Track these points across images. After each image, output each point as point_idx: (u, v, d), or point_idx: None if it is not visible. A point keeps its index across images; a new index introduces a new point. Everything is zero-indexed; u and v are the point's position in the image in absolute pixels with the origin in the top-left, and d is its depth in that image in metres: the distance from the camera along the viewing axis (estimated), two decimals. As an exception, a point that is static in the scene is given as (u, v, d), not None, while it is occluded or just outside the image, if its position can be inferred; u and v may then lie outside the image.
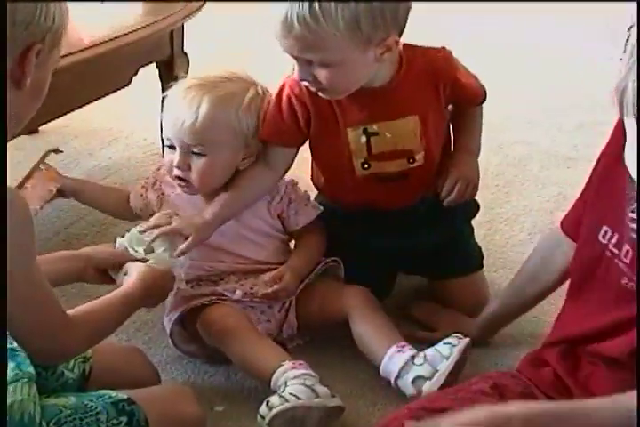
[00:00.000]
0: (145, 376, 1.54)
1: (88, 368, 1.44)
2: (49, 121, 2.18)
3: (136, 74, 2.28)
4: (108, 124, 2.91)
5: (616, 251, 1.28)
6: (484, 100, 1.76)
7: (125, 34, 2.11)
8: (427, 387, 1.52)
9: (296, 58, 1.54)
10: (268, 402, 1.46)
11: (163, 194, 1.76)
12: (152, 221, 1.65)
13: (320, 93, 1.61)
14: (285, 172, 1.75)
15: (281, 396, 1.46)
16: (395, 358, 1.57)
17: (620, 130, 1.27)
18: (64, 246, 2.13)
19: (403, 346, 1.60)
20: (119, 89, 2.26)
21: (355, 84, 1.60)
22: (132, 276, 1.46)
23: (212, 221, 1.66)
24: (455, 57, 1.70)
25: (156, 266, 1.53)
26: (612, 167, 1.29)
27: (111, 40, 2.07)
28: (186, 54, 2.44)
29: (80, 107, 2.18)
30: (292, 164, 1.75)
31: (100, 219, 2.24)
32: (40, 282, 1.17)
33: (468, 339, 1.57)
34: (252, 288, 1.69)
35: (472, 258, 1.86)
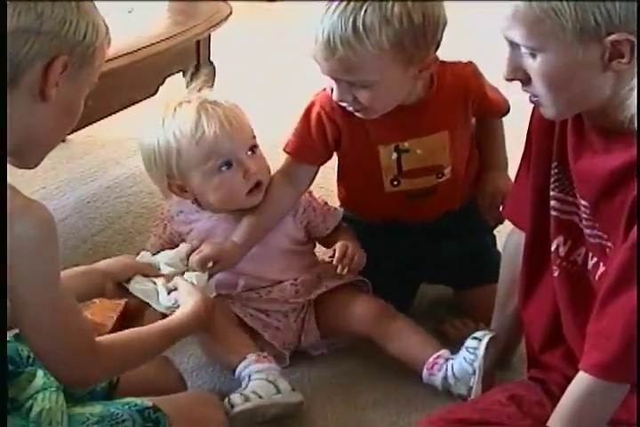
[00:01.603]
0: (171, 384, 1.55)
1: (115, 377, 1.43)
2: (77, 130, 2.20)
3: (163, 83, 2.30)
4: (134, 134, 2.91)
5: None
6: (508, 112, 1.77)
7: (152, 44, 2.13)
8: (473, 395, 1.52)
9: (337, 80, 1.52)
10: (229, 399, 1.48)
11: (179, 234, 1.74)
12: (185, 247, 1.62)
13: (357, 114, 1.59)
14: (307, 189, 1.75)
15: (242, 394, 1.49)
16: (432, 381, 1.59)
17: (539, 122, 1.34)
18: (91, 255, 2.14)
19: (432, 366, 1.59)
20: (146, 98, 2.28)
21: (393, 104, 1.59)
22: (186, 308, 1.41)
23: (241, 247, 1.65)
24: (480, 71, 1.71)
25: (195, 284, 1.51)
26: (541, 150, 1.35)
27: (138, 50, 2.09)
28: (212, 63, 2.47)
29: (107, 116, 2.21)
30: (313, 181, 1.75)
31: (127, 227, 2.26)
32: (68, 307, 1.14)
33: (487, 338, 1.54)
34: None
35: (494, 267, 1.86)
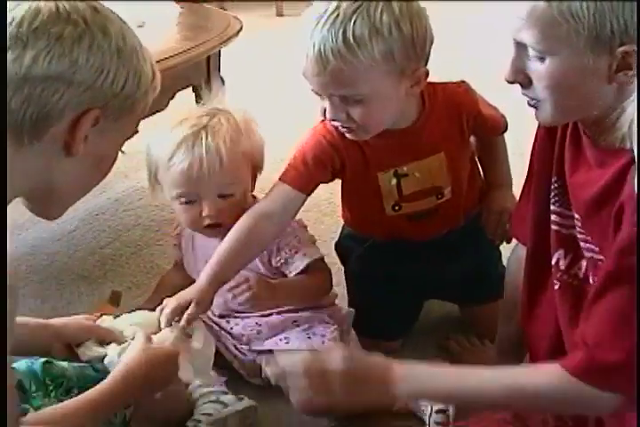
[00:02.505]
0: (183, 410, 1.54)
1: (129, 415, 1.38)
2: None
3: (173, 98, 2.31)
4: (142, 147, 2.94)
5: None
6: (506, 129, 1.76)
7: (163, 59, 2.14)
8: None
9: (329, 96, 1.51)
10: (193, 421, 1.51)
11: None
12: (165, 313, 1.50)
13: (349, 135, 1.59)
14: (292, 218, 1.67)
15: (194, 419, 1.51)
16: None
17: (543, 136, 1.35)
18: (99, 267, 2.16)
19: None
20: (156, 113, 2.29)
21: (386, 121, 1.58)
22: (115, 373, 1.26)
23: (208, 288, 1.54)
24: (473, 90, 1.71)
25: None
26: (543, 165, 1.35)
27: (149, 64, 2.09)
28: (222, 78, 2.48)
29: (117, 130, 2.22)
30: (298, 212, 1.66)
31: (135, 239, 2.27)
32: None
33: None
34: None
35: (500, 283, 1.85)
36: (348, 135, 1.59)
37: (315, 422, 1.58)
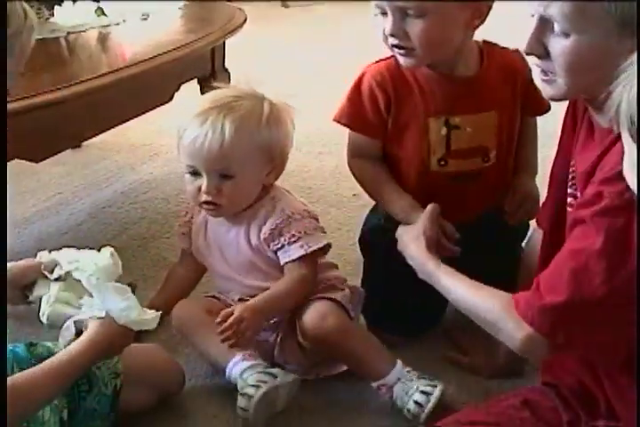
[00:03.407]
0: (171, 377, 1.58)
1: (119, 384, 1.45)
2: (94, 136, 2.23)
3: (178, 90, 2.31)
4: (148, 140, 2.95)
5: None
6: (549, 109, 1.71)
7: (168, 51, 2.14)
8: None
9: (391, 9, 1.50)
10: (244, 395, 1.51)
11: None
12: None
13: (402, 59, 1.57)
14: (380, 161, 1.70)
15: (252, 385, 1.51)
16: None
17: (567, 122, 1.35)
18: (106, 260, 2.16)
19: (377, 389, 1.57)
20: (161, 105, 2.30)
21: (442, 48, 1.56)
22: (82, 338, 1.32)
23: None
24: None
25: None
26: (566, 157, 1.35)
27: (154, 57, 2.09)
28: (227, 70, 2.48)
29: (123, 122, 2.22)
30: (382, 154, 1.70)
31: (142, 232, 2.27)
32: None
33: (437, 393, 1.54)
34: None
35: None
36: (401, 59, 1.58)
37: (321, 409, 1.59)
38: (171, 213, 2.38)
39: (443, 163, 1.65)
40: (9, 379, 1.18)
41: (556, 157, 1.44)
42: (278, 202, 1.63)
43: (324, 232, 1.67)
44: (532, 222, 1.62)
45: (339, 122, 1.67)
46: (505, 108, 1.66)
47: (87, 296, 1.41)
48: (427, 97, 1.62)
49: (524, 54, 1.23)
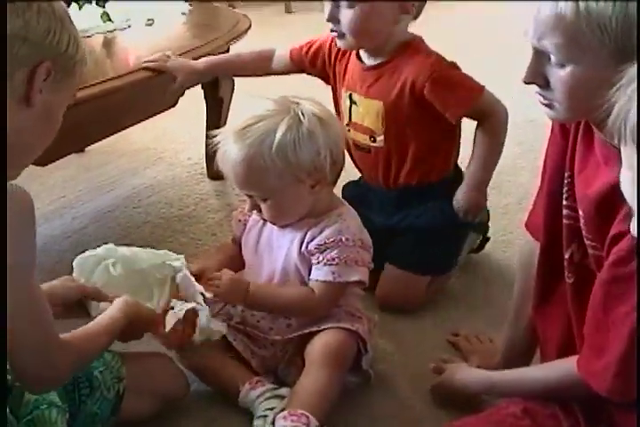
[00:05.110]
0: (175, 385, 1.57)
1: (122, 388, 1.45)
2: (98, 140, 2.24)
3: (182, 95, 2.32)
4: (152, 144, 2.96)
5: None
6: (458, 120, 1.85)
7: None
8: None
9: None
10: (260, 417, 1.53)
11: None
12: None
13: (337, 42, 1.84)
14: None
15: (260, 416, 1.52)
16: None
17: (556, 130, 1.36)
18: (109, 264, 2.16)
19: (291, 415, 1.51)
20: (166, 110, 2.31)
21: (368, 36, 1.80)
22: (116, 308, 1.39)
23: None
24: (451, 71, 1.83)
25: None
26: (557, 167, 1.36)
27: (159, 62, 2.10)
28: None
29: (128, 127, 2.23)
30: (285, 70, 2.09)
31: (145, 237, 2.28)
32: (40, 297, 1.14)
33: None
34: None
35: (432, 259, 1.93)
36: (337, 41, 1.85)
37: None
38: (174, 217, 2.39)
39: (348, 129, 1.93)
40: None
41: (544, 166, 1.43)
42: (341, 222, 1.60)
43: (369, 267, 1.62)
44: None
45: (291, 51, 2.02)
46: (390, 102, 1.85)
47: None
48: (347, 70, 1.92)
49: (524, 83, 1.22)
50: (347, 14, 1.76)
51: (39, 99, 1.10)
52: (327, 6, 1.78)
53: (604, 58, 1.12)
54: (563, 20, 1.12)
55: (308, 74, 2.05)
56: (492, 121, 1.85)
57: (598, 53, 1.12)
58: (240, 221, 1.72)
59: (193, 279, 1.52)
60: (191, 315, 1.48)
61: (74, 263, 1.54)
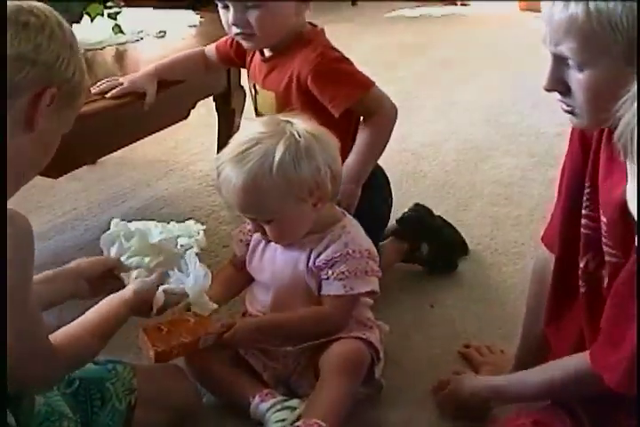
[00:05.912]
0: (188, 400, 1.57)
1: (134, 400, 1.45)
2: (111, 152, 2.24)
3: (194, 107, 2.33)
4: (164, 156, 2.97)
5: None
6: (342, 111, 1.80)
7: (184, 68, 2.15)
8: None
9: (232, 4, 1.80)
10: None
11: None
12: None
13: (245, 44, 1.89)
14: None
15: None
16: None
17: (575, 142, 1.35)
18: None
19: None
20: (177, 122, 2.31)
21: (275, 31, 1.84)
22: (116, 308, 1.39)
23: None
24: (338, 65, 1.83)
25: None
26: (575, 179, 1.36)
27: (170, 74, 2.11)
28: (242, 87, 2.49)
29: (140, 139, 2.24)
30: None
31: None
32: (34, 311, 1.15)
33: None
34: None
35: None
36: (243, 43, 1.89)
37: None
38: (185, 229, 2.39)
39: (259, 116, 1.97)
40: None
41: (562, 176, 1.43)
42: (346, 234, 1.60)
43: (378, 275, 1.62)
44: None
45: (217, 46, 2.07)
46: (280, 93, 1.89)
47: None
48: (253, 61, 1.97)
49: (545, 90, 1.22)
50: (254, 14, 1.79)
51: (41, 124, 1.10)
52: (231, 11, 1.81)
53: (618, 57, 1.13)
54: (575, 23, 1.13)
55: (240, 67, 2.12)
56: (377, 118, 1.84)
57: (613, 53, 1.13)
58: (242, 241, 1.72)
59: (197, 260, 1.52)
60: (180, 297, 1.49)
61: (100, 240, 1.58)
